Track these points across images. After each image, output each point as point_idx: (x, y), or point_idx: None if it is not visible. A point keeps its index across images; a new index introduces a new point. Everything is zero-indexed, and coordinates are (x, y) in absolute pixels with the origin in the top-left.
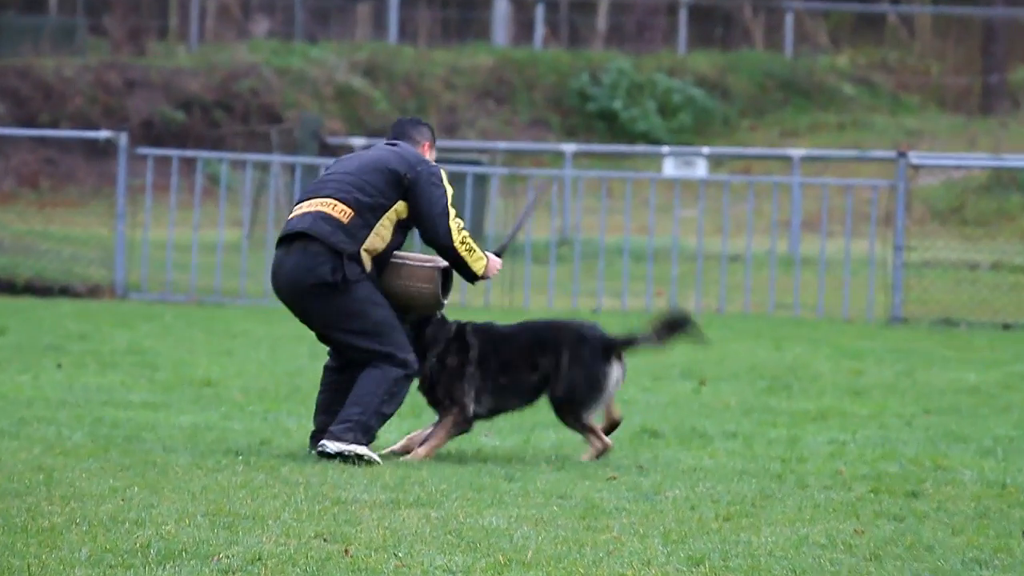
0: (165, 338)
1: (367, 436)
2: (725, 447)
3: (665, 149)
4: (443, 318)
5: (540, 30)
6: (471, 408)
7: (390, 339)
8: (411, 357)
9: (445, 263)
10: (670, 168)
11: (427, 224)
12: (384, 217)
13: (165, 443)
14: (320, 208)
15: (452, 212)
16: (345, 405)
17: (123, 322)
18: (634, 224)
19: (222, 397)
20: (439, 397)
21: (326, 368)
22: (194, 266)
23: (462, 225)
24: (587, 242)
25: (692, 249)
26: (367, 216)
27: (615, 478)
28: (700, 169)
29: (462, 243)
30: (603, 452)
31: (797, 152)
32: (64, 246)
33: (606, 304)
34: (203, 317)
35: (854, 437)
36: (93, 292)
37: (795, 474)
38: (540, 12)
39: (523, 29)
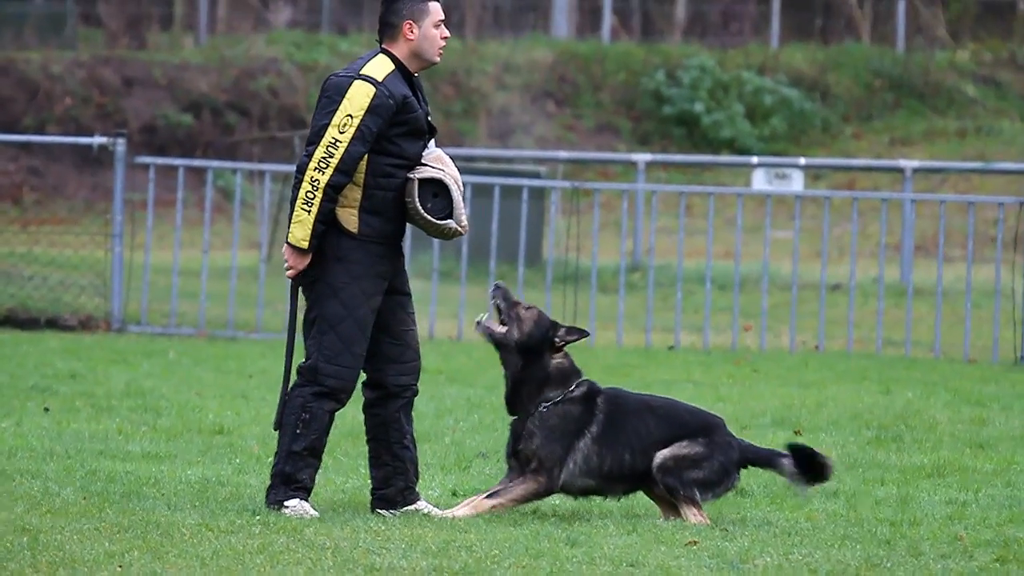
0: (169, 378)
1: (289, 486)
2: (825, 507)
3: (755, 160)
4: (569, 362)
5: (608, 20)
6: (559, 481)
7: (319, 341)
8: (331, 369)
9: (428, 174)
10: (760, 182)
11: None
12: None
13: (170, 500)
14: None
15: (328, 139)
16: None
17: (120, 359)
18: (718, 247)
19: (236, 447)
20: (525, 453)
21: (364, 406)
22: (203, 294)
23: (333, 165)
24: (662, 268)
25: (786, 276)
26: None
27: (695, 543)
28: (796, 183)
29: (310, 183)
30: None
31: (910, 163)
32: (51, 271)
33: (684, 341)
34: (213, 354)
35: (976, 497)
36: (85, 324)
37: (907, 539)
38: None
39: (588, 19)
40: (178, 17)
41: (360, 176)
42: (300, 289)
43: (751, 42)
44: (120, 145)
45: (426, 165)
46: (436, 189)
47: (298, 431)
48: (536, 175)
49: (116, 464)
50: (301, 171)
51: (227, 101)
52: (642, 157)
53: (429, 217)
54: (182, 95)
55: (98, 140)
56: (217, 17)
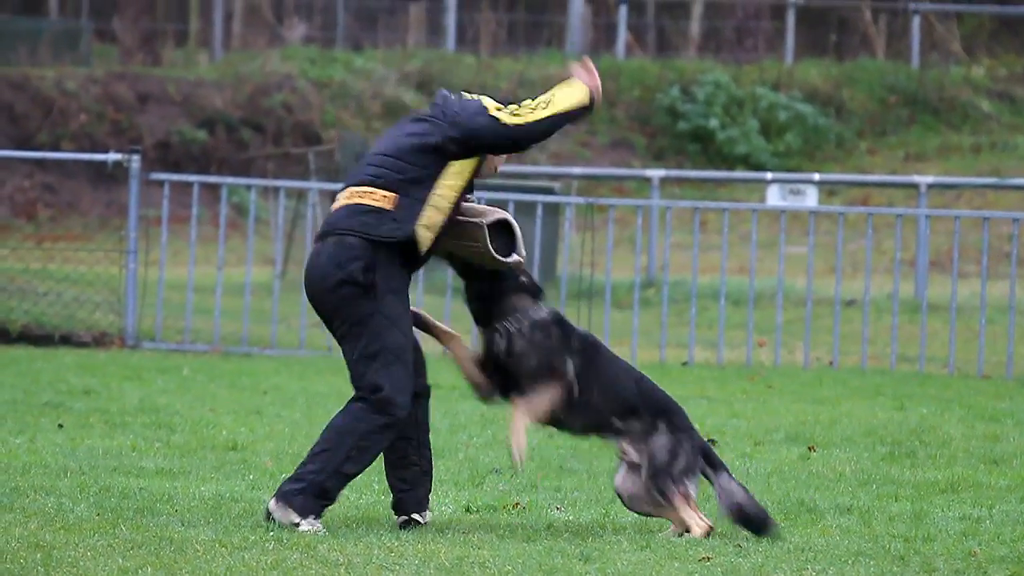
0: (183, 394)
1: (321, 501)
2: (838, 523)
3: (769, 175)
4: (534, 289)
5: (623, 36)
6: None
7: (387, 372)
8: (402, 400)
9: (495, 217)
10: (775, 197)
11: (486, 140)
12: (437, 185)
13: (183, 517)
14: (358, 201)
15: (492, 106)
16: (307, 455)
17: (134, 375)
18: (732, 263)
19: (250, 463)
20: (523, 376)
21: None
22: (217, 311)
23: (514, 109)
24: (676, 284)
25: (800, 292)
26: (414, 192)
27: (709, 559)
28: (810, 199)
29: (513, 115)
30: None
31: (924, 179)
32: (66, 287)
33: (698, 356)
34: (227, 370)
35: (991, 513)
36: (99, 341)
37: (921, 555)
38: (623, 15)
39: (603, 34)
40: (193, 33)
41: (446, 203)
42: (352, 323)
43: (766, 58)
44: (135, 161)
45: (479, 208)
46: (501, 229)
47: (352, 454)
48: (550, 191)
49: (130, 480)
50: (496, 126)
51: (241, 117)
52: (656, 173)
53: (500, 258)
54: (197, 111)
55: (112, 156)
56: (232, 33)
